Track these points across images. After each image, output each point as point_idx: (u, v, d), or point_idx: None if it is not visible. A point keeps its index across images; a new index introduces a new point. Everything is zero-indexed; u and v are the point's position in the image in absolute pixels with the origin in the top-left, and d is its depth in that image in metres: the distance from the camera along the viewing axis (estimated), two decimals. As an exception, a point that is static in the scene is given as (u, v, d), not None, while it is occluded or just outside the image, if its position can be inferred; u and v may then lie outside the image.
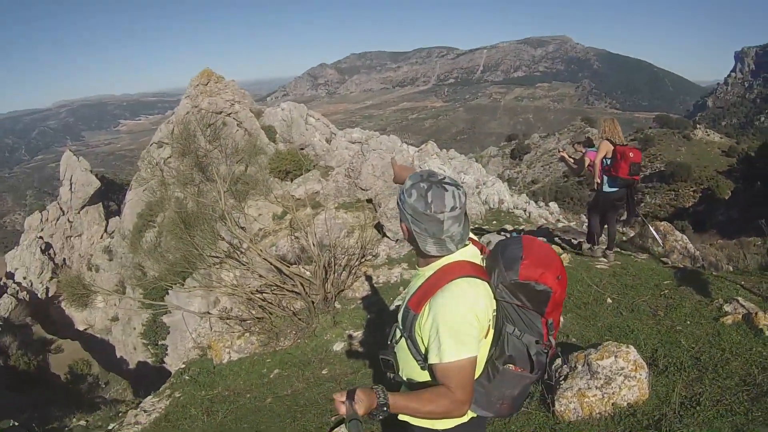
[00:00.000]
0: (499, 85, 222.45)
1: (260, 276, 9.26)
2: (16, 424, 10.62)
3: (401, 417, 1.79)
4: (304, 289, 8.15)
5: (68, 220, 31.16)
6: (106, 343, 26.31)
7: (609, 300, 5.11)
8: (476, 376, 1.75)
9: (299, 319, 7.72)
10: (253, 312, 8.45)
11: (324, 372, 5.62)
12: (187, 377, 7.31)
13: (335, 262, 8.65)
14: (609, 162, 6.25)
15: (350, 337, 6.35)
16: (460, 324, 1.63)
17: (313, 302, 7.88)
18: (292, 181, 20.08)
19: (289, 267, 9.23)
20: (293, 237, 12.54)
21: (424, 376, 1.78)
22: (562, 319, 4.80)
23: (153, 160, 23.24)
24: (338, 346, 6.17)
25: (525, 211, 14.38)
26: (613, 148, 6.17)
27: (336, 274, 8.51)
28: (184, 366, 8.25)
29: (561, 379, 3.49)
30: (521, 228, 11.10)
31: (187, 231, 8.55)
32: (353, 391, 1.57)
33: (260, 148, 20.39)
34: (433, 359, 1.66)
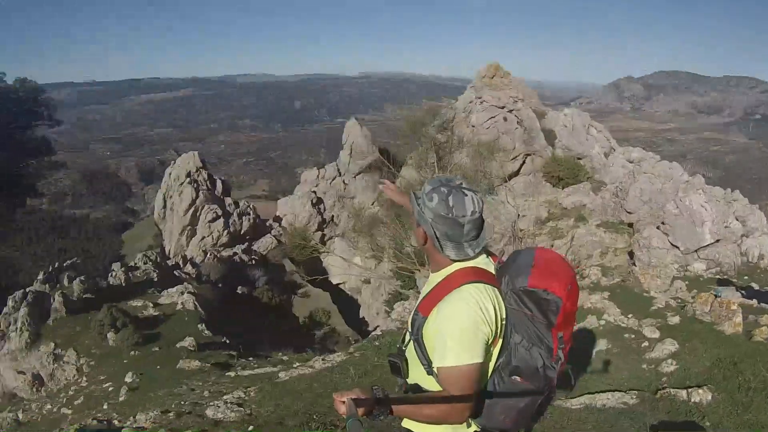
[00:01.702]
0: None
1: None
2: (227, 341, 12.40)
3: (404, 424, 1.82)
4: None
5: (344, 182, 32.45)
6: (353, 302, 27.56)
7: (779, 396, 4.32)
8: (483, 386, 1.75)
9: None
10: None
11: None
12: (377, 343, 7.65)
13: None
14: None
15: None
16: (464, 329, 1.63)
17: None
18: (563, 188, 19.90)
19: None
20: (550, 246, 12.72)
21: (429, 382, 1.78)
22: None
23: (426, 140, 24.77)
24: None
25: (786, 274, 11.51)
26: None
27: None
28: (380, 333, 8.63)
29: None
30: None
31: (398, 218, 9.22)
32: (353, 391, 1.61)
33: (499, 148, 20.02)
34: (436, 363, 1.69)
